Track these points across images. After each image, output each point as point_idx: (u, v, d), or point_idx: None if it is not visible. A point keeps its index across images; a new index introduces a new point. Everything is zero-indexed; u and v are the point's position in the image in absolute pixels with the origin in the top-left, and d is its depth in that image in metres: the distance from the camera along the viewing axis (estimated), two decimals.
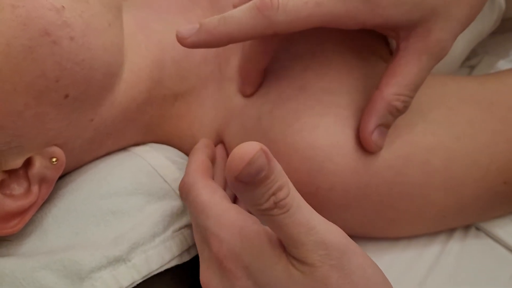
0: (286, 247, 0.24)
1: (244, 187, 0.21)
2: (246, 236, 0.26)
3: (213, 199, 0.28)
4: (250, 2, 0.28)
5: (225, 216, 0.27)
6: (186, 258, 0.34)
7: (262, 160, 0.21)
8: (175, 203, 0.35)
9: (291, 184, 0.23)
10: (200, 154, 0.33)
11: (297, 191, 0.23)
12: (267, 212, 0.22)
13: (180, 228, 0.34)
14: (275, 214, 0.22)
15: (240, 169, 0.21)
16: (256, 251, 0.25)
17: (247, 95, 0.35)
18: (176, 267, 0.33)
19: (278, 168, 0.22)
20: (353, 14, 0.27)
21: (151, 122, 0.36)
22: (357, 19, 0.28)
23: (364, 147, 0.31)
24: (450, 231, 0.37)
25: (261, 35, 0.28)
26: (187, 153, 0.38)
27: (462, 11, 0.28)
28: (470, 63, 0.49)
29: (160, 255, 0.32)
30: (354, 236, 0.35)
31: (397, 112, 0.30)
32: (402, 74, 0.29)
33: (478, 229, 0.38)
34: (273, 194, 0.22)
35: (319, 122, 0.32)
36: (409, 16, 0.27)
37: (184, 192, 0.30)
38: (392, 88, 0.29)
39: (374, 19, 0.28)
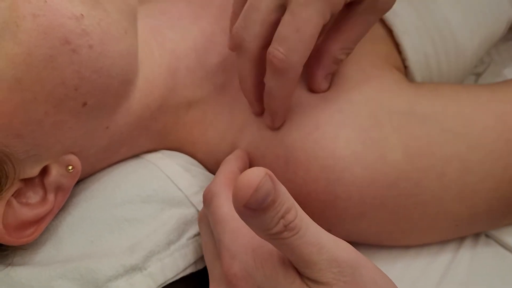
0: (299, 268, 0.23)
1: (253, 214, 0.21)
2: (260, 255, 0.25)
3: (233, 213, 0.28)
4: (268, 70, 0.30)
5: (240, 232, 0.27)
6: (201, 265, 0.34)
7: (269, 185, 0.21)
8: (189, 210, 0.35)
9: (297, 205, 0.23)
10: (231, 164, 0.33)
11: (303, 211, 0.23)
12: (277, 236, 0.22)
13: (195, 235, 0.34)
14: (286, 237, 0.22)
15: (248, 197, 0.20)
16: (269, 271, 0.25)
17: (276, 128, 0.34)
18: (189, 279, 0.33)
19: (283, 190, 0.22)
20: (338, 3, 0.29)
21: (164, 129, 0.36)
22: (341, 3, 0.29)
23: (312, 90, 0.34)
24: (460, 239, 0.37)
25: (296, 79, 0.31)
26: (200, 160, 0.38)
27: None
28: (476, 70, 0.50)
29: (176, 263, 0.32)
30: (366, 244, 0.36)
31: (340, 62, 0.33)
32: (348, 31, 0.31)
33: (488, 236, 0.38)
34: (282, 217, 0.22)
35: (340, 132, 0.32)
36: None
37: (207, 199, 0.30)
38: (339, 44, 0.32)
39: None
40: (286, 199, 0.22)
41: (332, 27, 0.32)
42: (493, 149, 0.32)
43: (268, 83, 0.31)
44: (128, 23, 0.31)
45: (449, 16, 0.37)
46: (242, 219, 0.22)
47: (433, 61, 0.38)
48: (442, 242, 0.37)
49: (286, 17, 0.29)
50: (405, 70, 0.38)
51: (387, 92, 0.34)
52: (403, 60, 0.38)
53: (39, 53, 0.26)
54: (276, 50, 0.29)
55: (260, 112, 0.35)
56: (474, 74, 0.50)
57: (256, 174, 0.20)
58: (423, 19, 0.37)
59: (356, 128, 0.32)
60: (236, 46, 0.31)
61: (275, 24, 0.30)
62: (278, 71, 0.29)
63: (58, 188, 0.31)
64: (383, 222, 0.33)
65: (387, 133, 0.32)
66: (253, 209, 0.21)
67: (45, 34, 0.26)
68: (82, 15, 0.27)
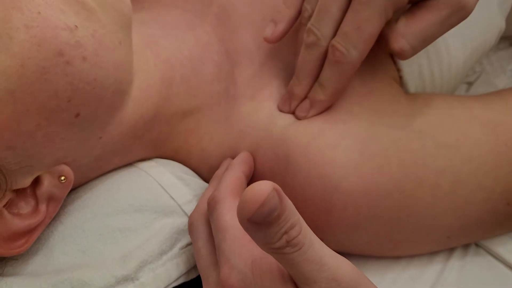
0: (298, 283, 0.23)
1: (256, 227, 0.21)
2: (258, 267, 0.25)
3: (234, 221, 0.28)
4: (327, 61, 0.32)
5: (241, 242, 0.27)
6: (193, 275, 0.34)
7: (275, 200, 0.20)
8: (181, 219, 0.34)
9: (302, 221, 0.23)
10: (236, 170, 0.33)
11: (308, 227, 0.23)
12: (279, 250, 0.22)
13: (187, 245, 0.34)
14: (288, 252, 0.22)
15: (253, 211, 0.20)
16: (267, 284, 0.25)
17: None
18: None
19: (290, 205, 0.22)
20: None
21: (158, 138, 0.36)
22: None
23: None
24: (450, 248, 0.38)
25: (352, 74, 0.32)
26: (194, 167, 0.38)
27: None
28: (468, 79, 0.50)
29: (168, 273, 0.32)
30: (357, 255, 0.36)
31: (403, 53, 0.31)
32: (420, 19, 0.30)
33: (478, 246, 0.39)
34: (285, 232, 0.21)
35: (341, 142, 0.32)
36: None
37: (211, 206, 0.30)
38: (408, 36, 0.31)
39: None
40: (292, 214, 0.22)
41: (407, 12, 0.31)
42: (485, 162, 0.33)
43: (324, 74, 0.33)
44: (122, 34, 0.31)
45: None
46: (245, 231, 0.22)
47: (426, 72, 0.38)
48: (432, 252, 0.37)
49: (349, 14, 0.31)
50: (400, 80, 0.39)
51: (386, 106, 0.34)
52: (398, 71, 0.38)
53: (32, 65, 0.26)
54: (338, 44, 0.31)
55: (295, 107, 0.35)
56: (466, 83, 0.50)
57: (263, 189, 0.20)
58: None
59: (356, 139, 0.33)
60: (309, 44, 0.33)
61: None
62: (337, 63, 0.31)
63: (50, 199, 0.30)
64: (376, 233, 0.33)
65: (385, 146, 0.33)
66: (257, 223, 0.21)
67: (38, 46, 0.26)
68: (76, 26, 0.27)
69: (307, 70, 0.33)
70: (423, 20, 0.30)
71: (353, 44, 0.31)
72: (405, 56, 0.31)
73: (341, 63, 0.31)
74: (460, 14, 0.30)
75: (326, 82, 0.33)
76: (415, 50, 0.31)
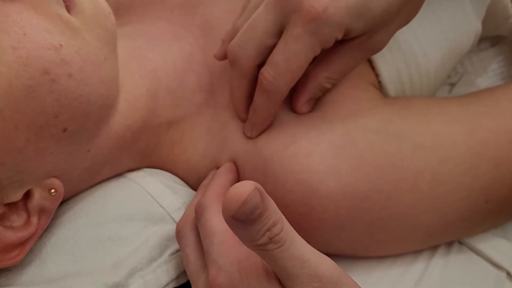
0: (281, 280, 0.25)
1: (240, 225, 0.22)
2: (245, 267, 0.27)
3: (220, 226, 0.29)
4: (257, 88, 0.33)
5: (227, 244, 0.28)
6: (183, 280, 0.35)
7: (257, 199, 0.22)
8: (170, 226, 0.35)
9: (284, 219, 0.24)
10: (222, 178, 0.34)
11: (290, 226, 0.24)
12: (262, 247, 0.23)
13: (177, 251, 0.35)
14: (270, 248, 0.23)
15: (235, 209, 0.21)
16: (253, 283, 0.26)
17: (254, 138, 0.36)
18: None
19: (271, 204, 0.23)
20: (328, 40, 0.31)
21: (146, 149, 0.37)
22: (331, 40, 0.31)
23: (294, 111, 0.36)
24: (434, 246, 0.39)
25: (281, 101, 0.33)
26: (181, 177, 0.39)
27: (401, 17, 0.32)
28: (450, 80, 0.51)
29: (158, 279, 0.33)
30: (342, 255, 0.37)
31: (325, 90, 0.35)
32: (336, 63, 0.33)
33: (461, 243, 0.40)
34: (268, 230, 0.23)
35: (315, 148, 0.33)
36: (363, 29, 0.31)
37: (198, 213, 0.31)
38: (325, 73, 0.34)
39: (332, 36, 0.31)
40: (274, 212, 0.23)
41: (322, 56, 0.33)
42: (463, 161, 0.34)
43: (256, 99, 0.34)
44: (107, 50, 0.32)
45: (418, 32, 0.39)
46: (230, 228, 0.23)
47: (405, 76, 0.39)
48: (416, 251, 0.38)
49: (280, 45, 0.31)
50: (379, 85, 0.40)
51: (362, 111, 0.35)
52: (376, 76, 0.39)
53: (19, 84, 0.27)
54: (267, 72, 0.32)
55: (244, 120, 0.36)
56: (448, 84, 0.52)
57: (246, 188, 0.22)
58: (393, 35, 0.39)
59: (331, 145, 0.34)
60: (230, 61, 0.34)
61: (270, 47, 0.32)
62: (266, 91, 0.32)
63: (42, 211, 0.31)
64: (360, 234, 0.34)
65: (361, 149, 0.34)
66: (241, 221, 0.22)
67: (25, 66, 0.27)
68: (61, 45, 0.28)
69: (235, 89, 0.35)
70: (341, 65, 0.34)
71: (282, 74, 0.31)
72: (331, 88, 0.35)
73: (270, 92, 0.32)
74: (370, 54, 0.34)
75: (258, 107, 0.34)
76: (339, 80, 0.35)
